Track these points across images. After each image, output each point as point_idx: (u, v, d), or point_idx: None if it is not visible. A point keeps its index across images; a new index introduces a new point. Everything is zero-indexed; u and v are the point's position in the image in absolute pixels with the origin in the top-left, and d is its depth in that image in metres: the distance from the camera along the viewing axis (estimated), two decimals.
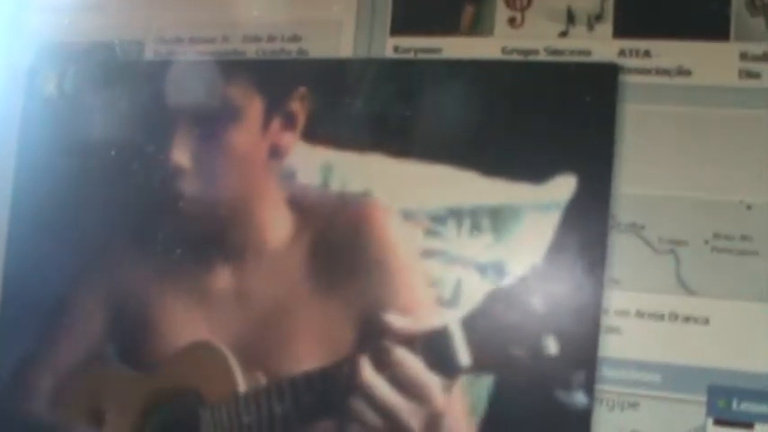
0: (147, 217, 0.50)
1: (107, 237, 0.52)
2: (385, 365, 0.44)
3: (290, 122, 0.48)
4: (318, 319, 0.47)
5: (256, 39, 0.50)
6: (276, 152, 0.48)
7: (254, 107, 0.48)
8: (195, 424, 0.48)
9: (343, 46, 0.49)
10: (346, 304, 0.46)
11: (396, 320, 0.45)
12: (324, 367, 0.46)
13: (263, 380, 0.47)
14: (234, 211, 0.49)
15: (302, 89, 0.48)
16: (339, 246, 0.47)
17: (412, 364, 0.44)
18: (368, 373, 0.45)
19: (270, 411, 0.46)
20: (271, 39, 0.50)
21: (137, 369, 0.50)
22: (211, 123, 0.49)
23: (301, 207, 0.48)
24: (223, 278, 0.49)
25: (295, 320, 0.47)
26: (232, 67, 0.50)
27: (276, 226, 0.48)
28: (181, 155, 0.49)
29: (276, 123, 0.48)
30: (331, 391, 0.45)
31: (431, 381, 0.44)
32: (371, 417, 0.45)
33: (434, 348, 0.44)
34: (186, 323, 0.49)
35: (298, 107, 0.48)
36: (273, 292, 0.48)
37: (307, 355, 0.46)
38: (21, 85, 0.54)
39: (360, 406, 0.45)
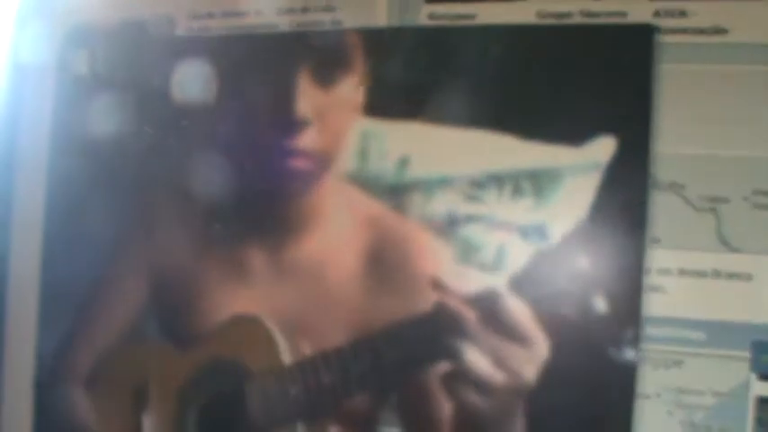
0: (187, 192, 0.51)
1: (144, 212, 0.52)
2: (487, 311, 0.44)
3: (363, 85, 0.48)
4: (365, 297, 0.47)
5: (290, 11, 0.50)
6: (356, 115, 0.48)
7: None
8: (240, 396, 0.48)
9: (378, 15, 0.49)
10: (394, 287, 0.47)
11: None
12: (411, 318, 0.46)
13: (307, 351, 0.47)
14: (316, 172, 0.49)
15: (374, 54, 0.48)
16: (389, 262, 0.47)
17: (515, 305, 0.44)
18: (471, 316, 0.44)
19: (317, 382, 0.47)
20: (304, 10, 0.50)
21: (179, 343, 0.50)
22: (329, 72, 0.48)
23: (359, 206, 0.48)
24: (268, 253, 0.49)
25: (341, 294, 0.47)
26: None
27: (333, 205, 0.49)
28: (305, 108, 0.48)
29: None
30: (425, 341, 0.45)
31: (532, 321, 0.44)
32: (483, 367, 0.44)
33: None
34: (228, 296, 0.49)
35: (369, 73, 0.48)
36: (320, 269, 0.48)
37: (351, 327, 0.47)
38: (52, 67, 0.54)
39: (473, 356, 0.44)
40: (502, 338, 0.44)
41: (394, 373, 0.46)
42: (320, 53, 0.49)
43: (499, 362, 0.44)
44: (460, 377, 0.44)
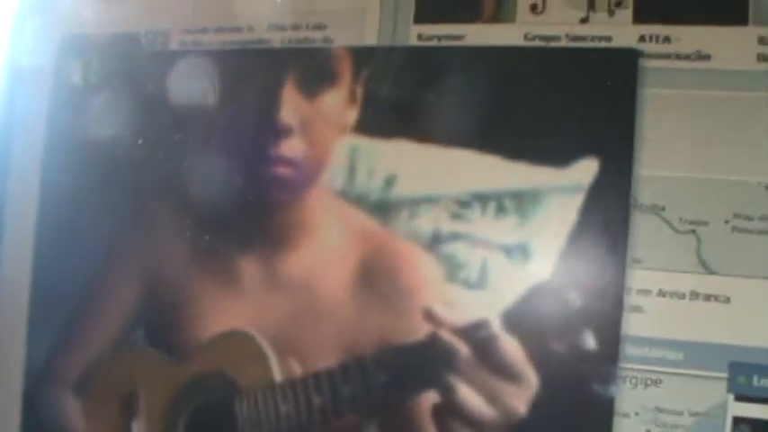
0: (178, 203, 0.51)
1: (135, 221, 0.52)
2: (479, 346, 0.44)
3: (354, 102, 0.48)
4: (355, 312, 0.47)
5: (281, 28, 0.51)
6: (343, 129, 0.48)
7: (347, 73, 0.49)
8: (230, 410, 0.48)
9: (368, 34, 0.49)
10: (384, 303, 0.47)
11: (441, 311, 0.45)
12: (399, 346, 0.46)
13: (297, 369, 0.48)
14: (303, 183, 0.49)
15: (366, 72, 0.48)
16: (380, 277, 0.48)
17: (507, 340, 0.44)
18: (464, 351, 0.44)
19: (308, 402, 0.47)
20: (295, 27, 0.51)
21: (169, 355, 0.50)
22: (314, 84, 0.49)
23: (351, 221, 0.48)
24: (259, 265, 0.49)
25: (331, 309, 0.48)
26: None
27: (324, 219, 0.49)
28: (288, 116, 0.49)
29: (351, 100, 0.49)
30: (418, 370, 0.45)
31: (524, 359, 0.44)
32: (474, 402, 0.44)
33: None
34: (219, 308, 0.50)
35: (360, 90, 0.48)
36: (311, 282, 0.48)
37: (342, 343, 0.47)
38: (46, 76, 0.55)
39: (464, 390, 0.44)
40: (493, 374, 0.44)
41: (383, 399, 0.46)
42: (306, 64, 0.49)
43: (491, 398, 0.44)
44: (450, 410, 0.45)
